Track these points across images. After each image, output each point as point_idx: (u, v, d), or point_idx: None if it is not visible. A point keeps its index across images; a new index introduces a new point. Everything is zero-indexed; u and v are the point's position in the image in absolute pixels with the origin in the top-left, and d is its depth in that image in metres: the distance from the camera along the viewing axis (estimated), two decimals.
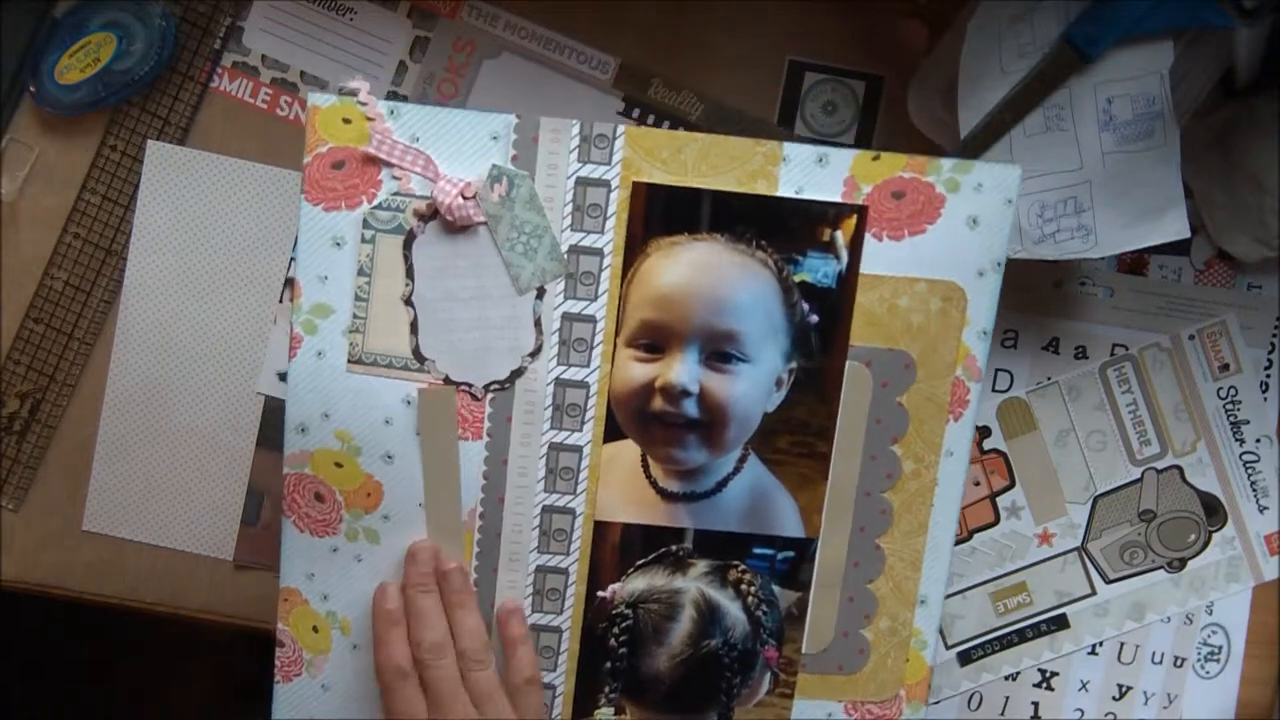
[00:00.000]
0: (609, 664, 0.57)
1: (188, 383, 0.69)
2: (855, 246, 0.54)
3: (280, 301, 0.69)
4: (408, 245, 0.53)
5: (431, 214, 0.53)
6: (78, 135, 0.69)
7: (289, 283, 0.69)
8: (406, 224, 0.53)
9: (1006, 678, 0.73)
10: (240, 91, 0.69)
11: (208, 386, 0.69)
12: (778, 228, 0.54)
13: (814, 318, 0.55)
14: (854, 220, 0.54)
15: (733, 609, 0.57)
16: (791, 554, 0.57)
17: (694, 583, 0.56)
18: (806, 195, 0.54)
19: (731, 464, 0.56)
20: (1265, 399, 0.71)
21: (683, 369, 0.54)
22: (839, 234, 0.54)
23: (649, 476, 0.56)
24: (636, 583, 0.56)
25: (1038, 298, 0.70)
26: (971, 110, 0.59)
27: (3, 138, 0.69)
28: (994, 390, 0.71)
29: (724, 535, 0.56)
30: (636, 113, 0.69)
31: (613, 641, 0.57)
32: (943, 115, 0.64)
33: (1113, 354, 0.71)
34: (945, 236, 0.54)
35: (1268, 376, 0.71)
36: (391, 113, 0.53)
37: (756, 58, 0.69)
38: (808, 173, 0.54)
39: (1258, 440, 0.72)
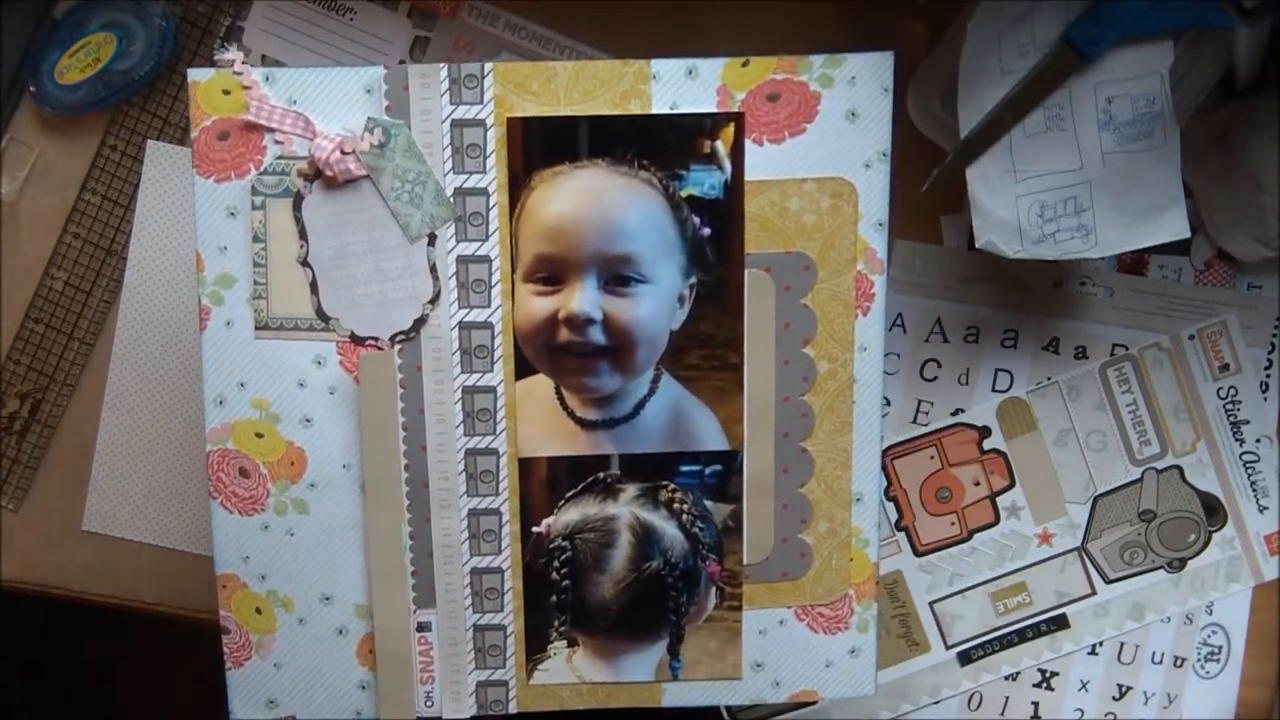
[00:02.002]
0: (554, 598, 0.57)
1: (188, 382, 0.69)
2: (737, 154, 0.55)
3: None
4: (297, 207, 0.54)
5: (314, 173, 0.54)
6: (78, 135, 0.69)
7: None
8: (293, 186, 0.54)
9: (1006, 678, 0.73)
10: None
11: None
12: (657, 145, 0.54)
13: (706, 230, 0.55)
14: (732, 128, 0.54)
15: (668, 529, 0.57)
16: (719, 467, 0.57)
17: (626, 507, 0.57)
18: (681, 109, 0.54)
19: (646, 386, 0.56)
20: (1265, 399, 0.71)
21: (583, 298, 0.54)
22: (719, 144, 0.54)
23: (566, 408, 0.56)
24: (569, 514, 0.57)
25: (1038, 298, 0.70)
26: (971, 110, 0.59)
27: (3, 138, 0.69)
28: (994, 390, 0.71)
29: (649, 457, 0.57)
30: None
31: (554, 575, 0.57)
32: (943, 115, 0.64)
33: (1113, 354, 0.71)
34: (826, 133, 0.55)
35: (1268, 376, 0.71)
36: (267, 79, 0.54)
37: None
38: (679, 87, 0.54)
39: (1258, 440, 0.72)
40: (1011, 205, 0.59)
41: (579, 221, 0.54)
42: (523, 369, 0.55)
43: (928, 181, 0.60)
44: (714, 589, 0.58)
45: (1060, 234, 0.59)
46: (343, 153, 0.53)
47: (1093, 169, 0.59)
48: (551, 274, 0.55)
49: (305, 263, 0.55)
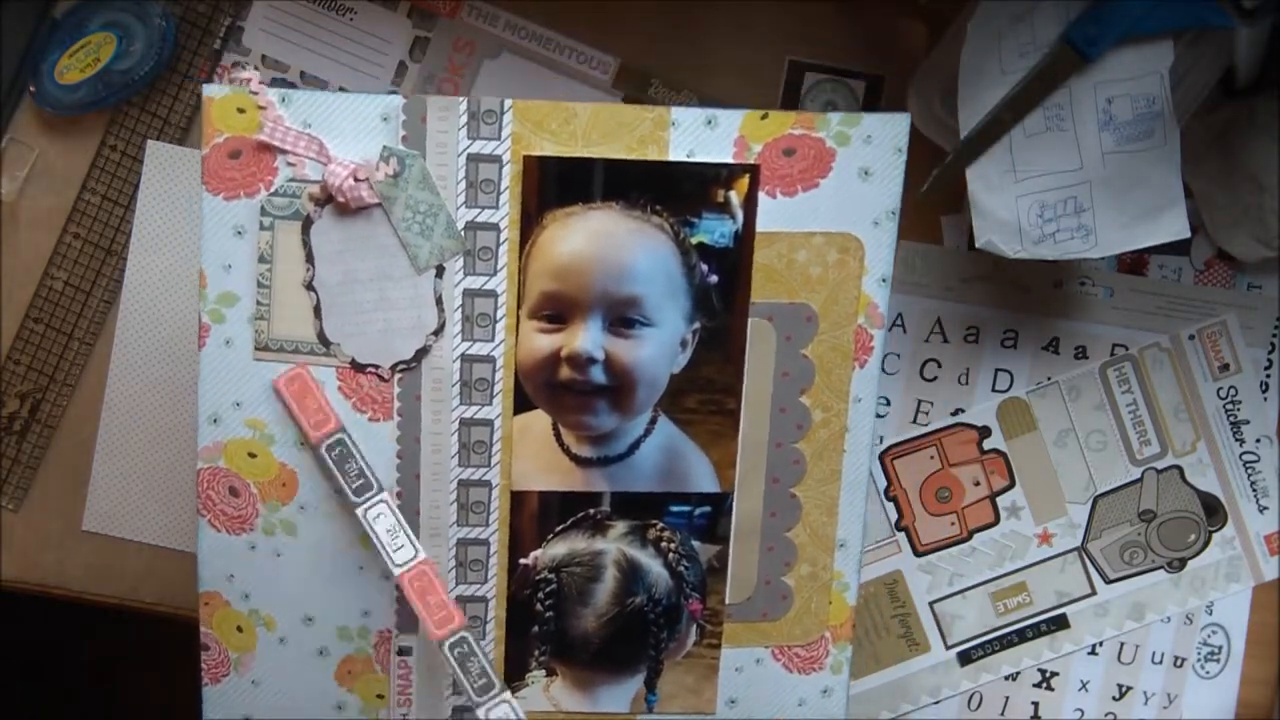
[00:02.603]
0: (536, 628, 0.58)
1: (188, 382, 0.69)
2: (750, 206, 0.55)
3: None
4: (305, 230, 0.54)
5: (326, 198, 0.54)
6: (78, 135, 0.69)
7: None
8: (303, 209, 0.54)
9: (1006, 678, 0.73)
10: None
11: None
12: (672, 191, 0.54)
13: (713, 278, 0.55)
14: (747, 180, 0.54)
15: (654, 566, 0.57)
16: (708, 509, 0.57)
17: (614, 544, 0.57)
18: (698, 158, 0.54)
19: (642, 426, 0.56)
20: (1265, 399, 0.71)
21: (587, 337, 0.55)
22: (733, 194, 0.55)
23: (562, 444, 0.56)
24: (557, 548, 0.57)
25: (1038, 298, 0.70)
26: (971, 110, 0.59)
27: (3, 138, 0.69)
28: (994, 390, 0.71)
29: (640, 496, 0.57)
30: None
31: (538, 606, 0.57)
32: (943, 115, 0.64)
33: (1113, 354, 0.71)
34: (838, 189, 0.55)
35: (1268, 376, 0.71)
36: (283, 100, 0.53)
37: (756, 58, 0.69)
38: (698, 135, 0.54)
39: (1258, 440, 0.72)
40: (1011, 205, 0.59)
41: (588, 261, 0.54)
42: (521, 404, 0.56)
43: (928, 181, 0.60)
44: (695, 626, 0.58)
45: (1060, 234, 0.59)
46: (356, 180, 0.53)
47: (1093, 169, 0.59)
48: (557, 312, 0.55)
49: (310, 286, 0.54)
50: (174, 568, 0.70)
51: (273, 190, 0.54)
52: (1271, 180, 0.64)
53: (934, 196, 0.61)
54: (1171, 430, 0.71)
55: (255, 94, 0.53)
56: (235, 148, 0.53)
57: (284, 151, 0.53)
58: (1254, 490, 0.72)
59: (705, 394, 0.56)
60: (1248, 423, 0.71)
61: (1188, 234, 0.59)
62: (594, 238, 0.54)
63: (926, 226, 0.70)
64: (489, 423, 0.56)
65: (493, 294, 0.55)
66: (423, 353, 0.55)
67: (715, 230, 0.55)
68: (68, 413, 0.70)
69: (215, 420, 0.55)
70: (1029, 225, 0.59)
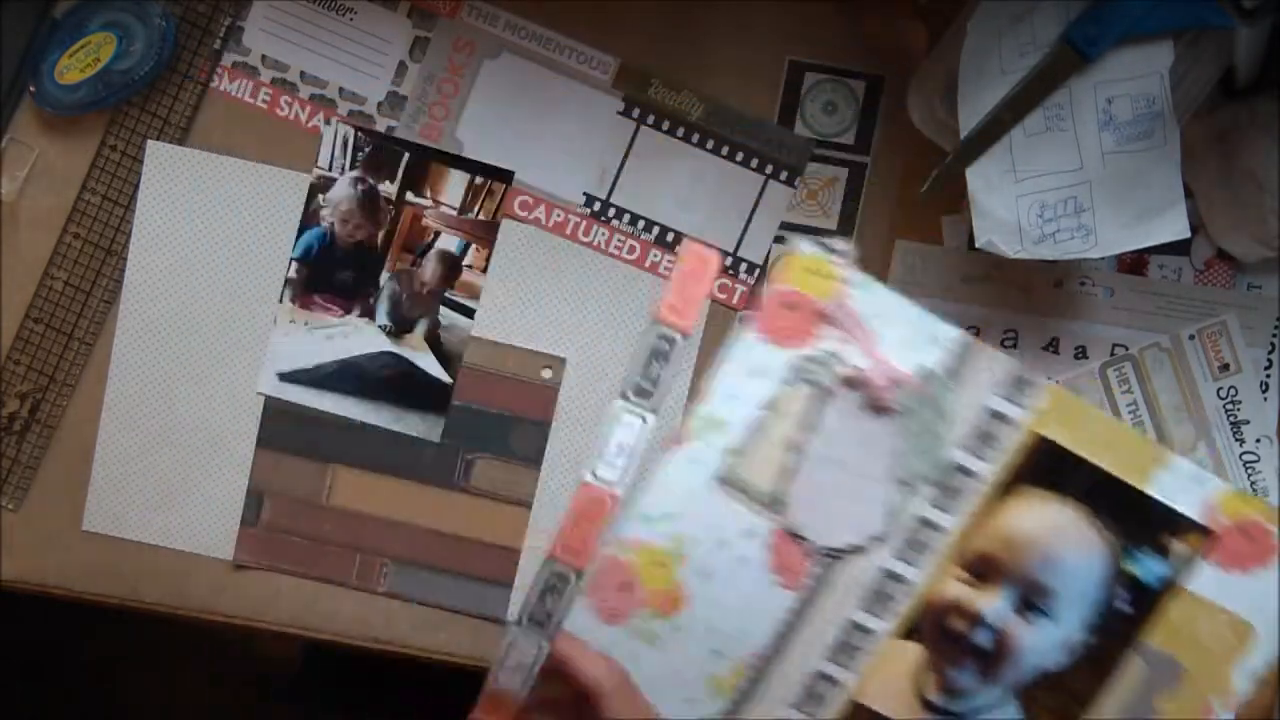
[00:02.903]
0: None
1: (188, 383, 0.69)
2: (1190, 564, 0.57)
3: (280, 302, 0.69)
4: (821, 400, 0.56)
5: (856, 385, 0.56)
6: (78, 135, 0.69)
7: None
8: (829, 382, 0.56)
9: None
10: (240, 91, 0.69)
11: (208, 386, 0.69)
12: (1131, 518, 0.57)
13: (1127, 608, 0.58)
14: (1200, 541, 0.57)
15: None
16: None
17: None
18: (1171, 502, 0.57)
19: (993, 699, 0.58)
20: (1265, 399, 0.71)
21: (994, 605, 0.57)
22: (1181, 546, 0.57)
23: (918, 681, 0.58)
24: None
25: (1038, 298, 0.70)
26: (971, 110, 0.59)
27: (3, 138, 0.69)
28: None
29: None
30: (636, 112, 0.69)
31: None
32: (943, 115, 0.64)
33: (1113, 354, 0.71)
34: (1264, 584, 0.57)
35: (1268, 376, 0.71)
36: (858, 283, 0.56)
37: (756, 58, 0.69)
38: (1181, 484, 0.57)
39: (1258, 440, 0.71)
40: (1011, 205, 0.59)
41: (1033, 544, 0.57)
42: (906, 632, 0.58)
43: (928, 181, 0.60)
44: None
45: (1060, 234, 0.59)
46: (892, 384, 0.56)
47: (1093, 169, 0.59)
48: (982, 571, 0.57)
49: (795, 449, 0.57)
50: (174, 568, 0.70)
51: (808, 354, 0.56)
52: (1271, 180, 0.64)
53: (934, 196, 0.61)
54: (1172, 430, 0.71)
55: (841, 268, 0.56)
56: (795, 302, 0.56)
57: (838, 329, 0.56)
58: (1254, 490, 0.72)
59: (1056, 695, 0.58)
60: (1248, 423, 0.71)
61: (1188, 234, 0.59)
62: (1048, 525, 0.57)
63: (926, 226, 0.70)
64: (872, 634, 0.58)
65: (940, 530, 0.57)
66: (854, 550, 0.57)
67: (1150, 569, 0.57)
68: (68, 413, 0.70)
69: (647, 520, 0.57)
70: (1029, 225, 0.59)
